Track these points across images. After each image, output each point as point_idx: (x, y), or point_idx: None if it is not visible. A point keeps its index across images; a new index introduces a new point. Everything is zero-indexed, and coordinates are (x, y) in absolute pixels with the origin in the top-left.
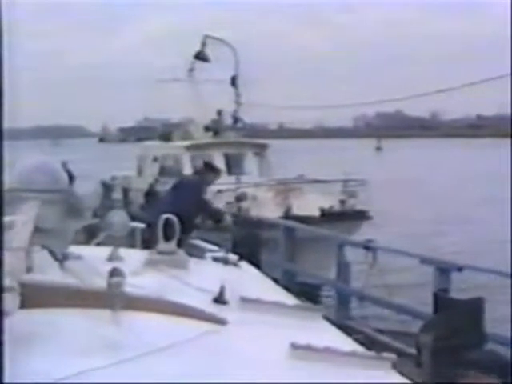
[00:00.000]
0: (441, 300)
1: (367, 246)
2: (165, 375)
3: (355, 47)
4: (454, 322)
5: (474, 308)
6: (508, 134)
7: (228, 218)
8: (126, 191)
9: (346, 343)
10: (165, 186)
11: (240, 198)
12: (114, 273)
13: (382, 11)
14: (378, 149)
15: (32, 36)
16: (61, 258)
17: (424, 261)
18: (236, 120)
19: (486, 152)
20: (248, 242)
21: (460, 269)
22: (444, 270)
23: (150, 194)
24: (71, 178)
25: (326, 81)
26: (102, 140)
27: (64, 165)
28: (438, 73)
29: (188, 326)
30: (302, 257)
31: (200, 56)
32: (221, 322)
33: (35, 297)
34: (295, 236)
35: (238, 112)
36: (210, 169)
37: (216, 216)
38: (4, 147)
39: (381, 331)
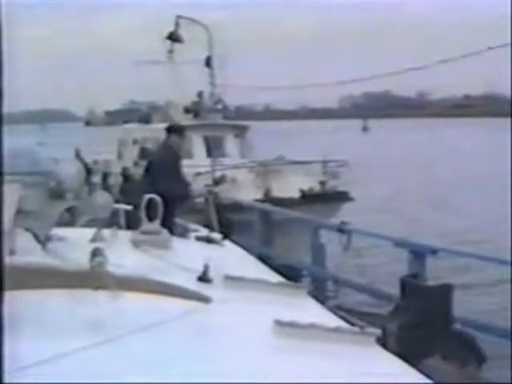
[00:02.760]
0: (408, 286)
1: (341, 229)
2: (149, 354)
3: (340, 27)
4: (420, 309)
5: (442, 294)
6: (495, 114)
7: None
8: (105, 175)
9: (331, 319)
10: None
11: (218, 181)
12: (96, 253)
13: None
14: (365, 129)
15: (17, 22)
16: (43, 240)
17: (398, 244)
18: (216, 101)
19: (473, 131)
20: (219, 224)
21: (434, 252)
22: (418, 253)
23: (125, 177)
24: (87, 168)
25: (312, 61)
26: (88, 123)
27: (77, 153)
28: (424, 51)
29: (172, 305)
30: (278, 240)
31: (173, 37)
32: (205, 300)
33: (18, 279)
34: (271, 219)
35: (215, 93)
36: (173, 131)
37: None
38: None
39: (355, 313)
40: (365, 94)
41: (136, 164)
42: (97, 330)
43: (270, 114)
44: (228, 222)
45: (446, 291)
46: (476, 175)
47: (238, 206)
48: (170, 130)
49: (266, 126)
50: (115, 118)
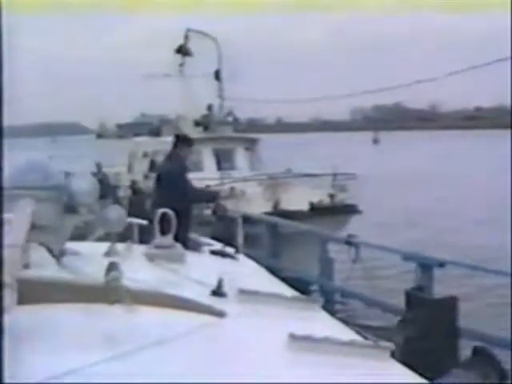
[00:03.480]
0: (413, 298)
1: (349, 242)
2: (163, 368)
3: (350, 41)
4: (425, 322)
5: (447, 307)
6: (507, 125)
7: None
8: (115, 188)
9: (345, 333)
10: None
11: (228, 194)
12: (112, 267)
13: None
14: (376, 141)
15: (27, 34)
16: (58, 254)
17: (406, 257)
18: (227, 114)
19: (484, 143)
20: (226, 237)
21: (442, 264)
22: (426, 266)
23: (134, 190)
24: (106, 182)
25: (323, 74)
26: (99, 136)
27: (99, 167)
28: (434, 64)
29: (186, 319)
30: (286, 252)
31: (182, 50)
32: (219, 314)
33: (32, 293)
34: (279, 231)
35: (224, 106)
36: (182, 141)
37: (207, 196)
38: (3, 145)
39: (361, 326)
40: (376, 107)
41: (146, 177)
42: (112, 345)
43: (282, 127)
44: (234, 234)
45: (451, 304)
46: (488, 188)
47: (246, 219)
48: (178, 139)
49: (278, 138)
50: (126, 130)
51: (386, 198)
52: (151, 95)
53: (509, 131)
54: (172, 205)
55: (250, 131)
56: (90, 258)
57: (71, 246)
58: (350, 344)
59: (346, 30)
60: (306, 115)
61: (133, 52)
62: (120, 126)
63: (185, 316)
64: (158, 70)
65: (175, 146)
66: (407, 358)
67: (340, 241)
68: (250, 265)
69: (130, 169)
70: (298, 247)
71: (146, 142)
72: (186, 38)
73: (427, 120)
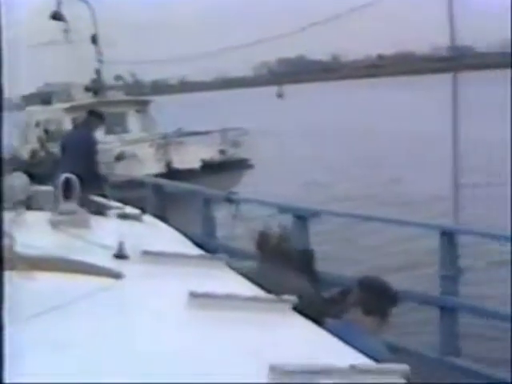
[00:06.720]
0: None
1: (229, 199)
2: (59, 333)
3: None
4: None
5: (302, 260)
6: (406, 72)
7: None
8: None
9: (249, 289)
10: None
11: (119, 158)
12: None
13: None
14: (280, 95)
15: None
16: None
17: (282, 209)
18: (117, 78)
19: (385, 91)
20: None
21: (315, 214)
22: (301, 217)
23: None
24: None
25: (221, 30)
26: None
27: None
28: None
29: (82, 283)
30: (173, 213)
31: (56, 16)
32: (117, 276)
33: None
34: (165, 193)
35: (101, 70)
36: (94, 115)
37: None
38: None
39: None
40: (279, 60)
41: (42, 146)
42: (6, 312)
43: (186, 87)
44: (121, 199)
45: (306, 257)
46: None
47: (133, 183)
48: (92, 113)
49: (182, 98)
50: (31, 101)
51: (283, 151)
52: (46, 64)
53: (411, 78)
54: (80, 170)
55: (154, 93)
56: None
57: None
58: (252, 299)
59: None
60: (209, 74)
61: (36, 20)
62: (25, 97)
63: (81, 280)
64: (50, 37)
65: (88, 118)
66: None
67: (221, 198)
68: (158, 225)
69: (26, 139)
70: (184, 207)
71: (37, 111)
72: (58, 3)
73: (331, 71)
